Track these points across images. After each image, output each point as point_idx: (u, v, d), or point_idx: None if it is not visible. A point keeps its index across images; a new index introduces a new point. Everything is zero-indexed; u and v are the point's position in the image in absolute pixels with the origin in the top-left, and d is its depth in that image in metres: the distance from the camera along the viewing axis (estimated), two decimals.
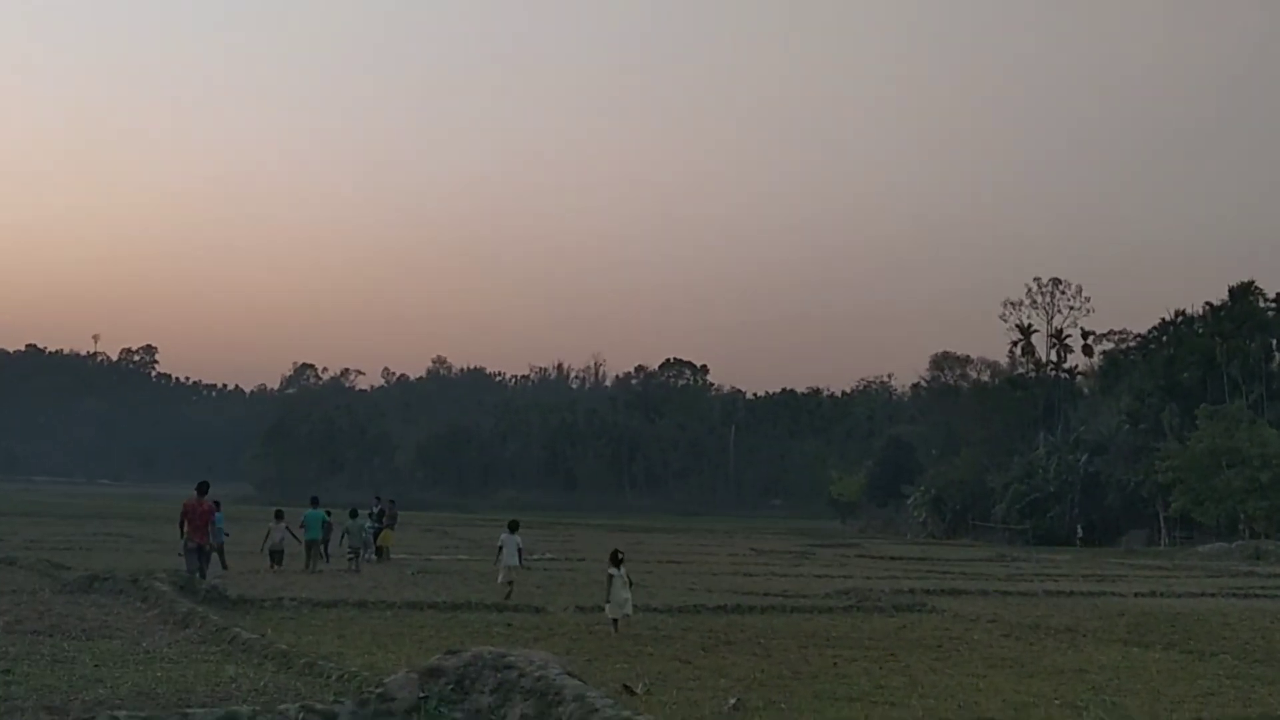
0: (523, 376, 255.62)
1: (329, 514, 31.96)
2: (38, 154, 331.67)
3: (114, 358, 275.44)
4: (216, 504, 26.51)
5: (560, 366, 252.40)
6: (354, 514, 33.18)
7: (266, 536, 31.03)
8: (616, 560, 19.26)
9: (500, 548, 24.52)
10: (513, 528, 24.85)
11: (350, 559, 31.39)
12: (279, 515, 31.67)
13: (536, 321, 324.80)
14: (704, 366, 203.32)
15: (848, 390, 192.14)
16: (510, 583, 23.89)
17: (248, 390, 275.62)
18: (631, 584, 19.48)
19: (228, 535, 30.89)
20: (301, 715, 10.02)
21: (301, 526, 30.80)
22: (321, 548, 31.06)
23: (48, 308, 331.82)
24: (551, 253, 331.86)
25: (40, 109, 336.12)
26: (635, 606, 19.49)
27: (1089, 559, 58.01)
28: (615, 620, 18.79)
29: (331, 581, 26.77)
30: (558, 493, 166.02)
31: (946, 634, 20.22)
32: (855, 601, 25.22)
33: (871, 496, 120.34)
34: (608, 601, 18.94)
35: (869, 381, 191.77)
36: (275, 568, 29.86)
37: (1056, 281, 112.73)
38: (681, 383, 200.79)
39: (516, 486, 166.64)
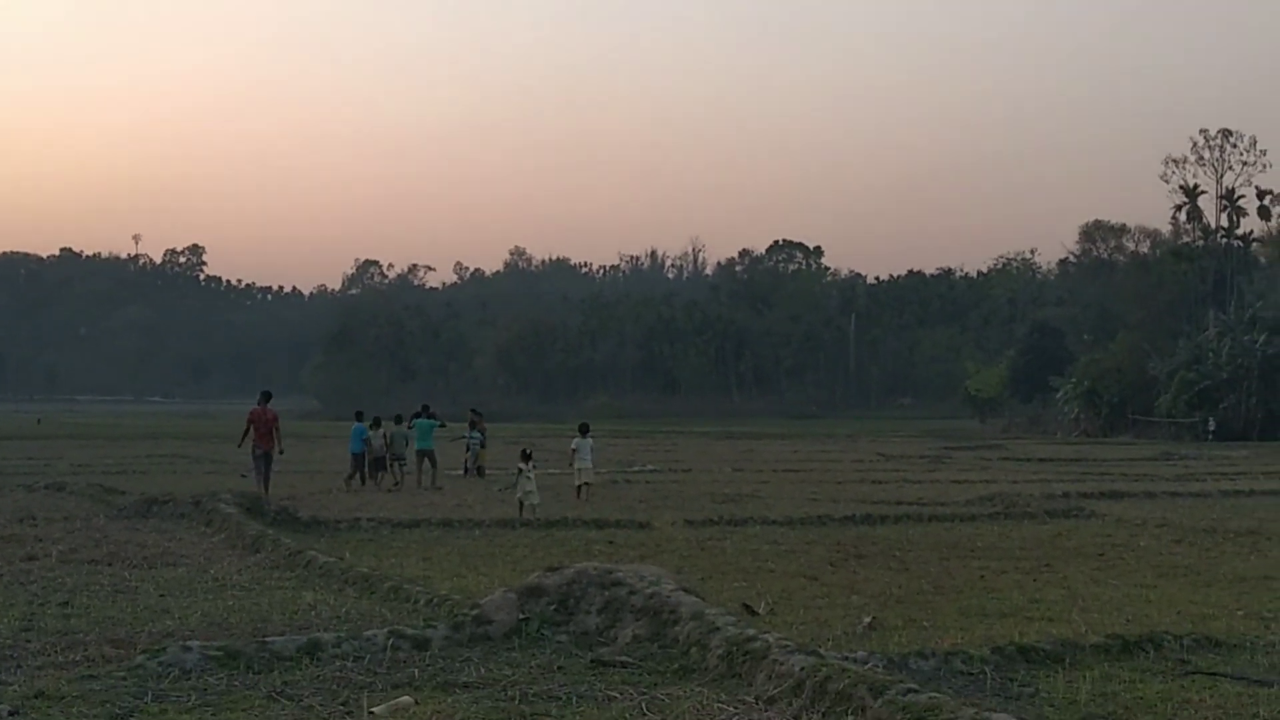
0: (612, 267, 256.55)
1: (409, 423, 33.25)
2: (64, 30, 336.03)
3: (157, 260, 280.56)
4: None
5: (654, 254, 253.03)
6: (398, 420, 33.38)
7: (368, 445, 31.85)
8: (526, 457, 23.91)
9: (574, 450, 27.67)
10: (584, 430, 28.24)
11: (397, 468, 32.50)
12: (376, 422, 32.70)
13: (626, 204, 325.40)
14: (817, 248, 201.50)
15: (984, 270, 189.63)
16: (586, 484, 27.25)
17: (306, 292, 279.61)
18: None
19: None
20: (391, 641, 10.27)
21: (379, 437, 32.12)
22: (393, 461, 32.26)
23: (83, 207, 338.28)
24: (641, 126, 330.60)
25: None
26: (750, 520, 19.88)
27: (1270, 454, 57.21)
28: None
29: (412, 500, 27.27)
30: (655, 397, 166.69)
31: (1109, 541, 20.14)
32: (1001, 508, 25.18)
33: (1014, 391, 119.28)
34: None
35: (1008, 259, 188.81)
36: (353, 474, 31.12)
37: (1227, 134, 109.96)
38: (792, 268, 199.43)
39: (609, 391, 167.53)
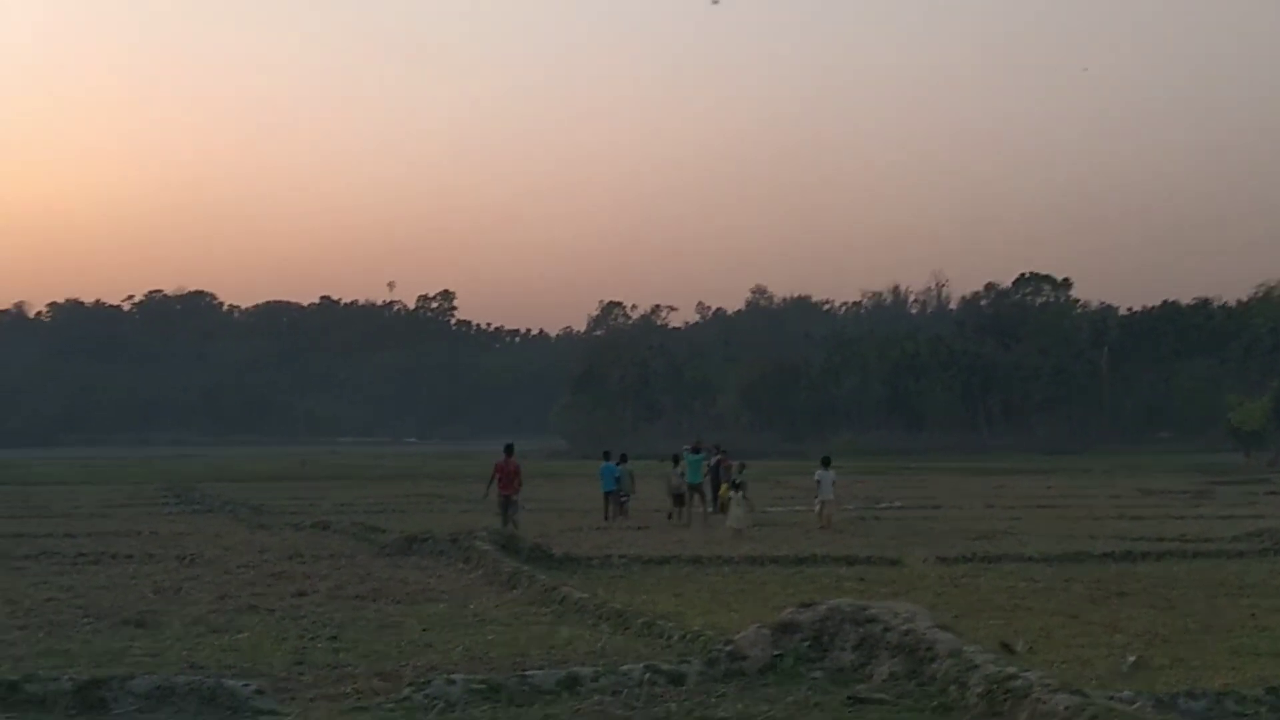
0: (854, 303, 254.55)
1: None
2: (322, 93, 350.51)
3: (411, 306, 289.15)
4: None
5: (896, 289, 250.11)
6: (675, 460, 34.12)
7: (668, 481, 33.43)
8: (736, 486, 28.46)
9: (818, 482, 29.72)
10: (826, 463, 30.09)
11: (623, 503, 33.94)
12: (675, 459, 33.67)
13: (867, 240, 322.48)
14: (1066, 280, 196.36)
15: (1243, 298, 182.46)
16: (826, 514, 29.02)
17: (553, 334, 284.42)
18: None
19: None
20: (647, 676, 10.37)
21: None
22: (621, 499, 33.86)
23: (340, 257, 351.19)
24: (882, 160, 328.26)
25: (321, 35, 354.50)
26: (1005, 557, 19.59)
27: None
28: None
29: (662, 537, 27.47)
30: (901, 433, 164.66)
31: None
32: (1272, 544, 24.11)
33: None
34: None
35: (1270, 286, 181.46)
36: (679, 510, 32.57)
37: None
38: (1040, 300, 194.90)
39: (854, 428, 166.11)
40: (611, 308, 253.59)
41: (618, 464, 34.49)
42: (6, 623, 14.78)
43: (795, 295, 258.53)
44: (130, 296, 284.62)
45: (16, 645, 13.21)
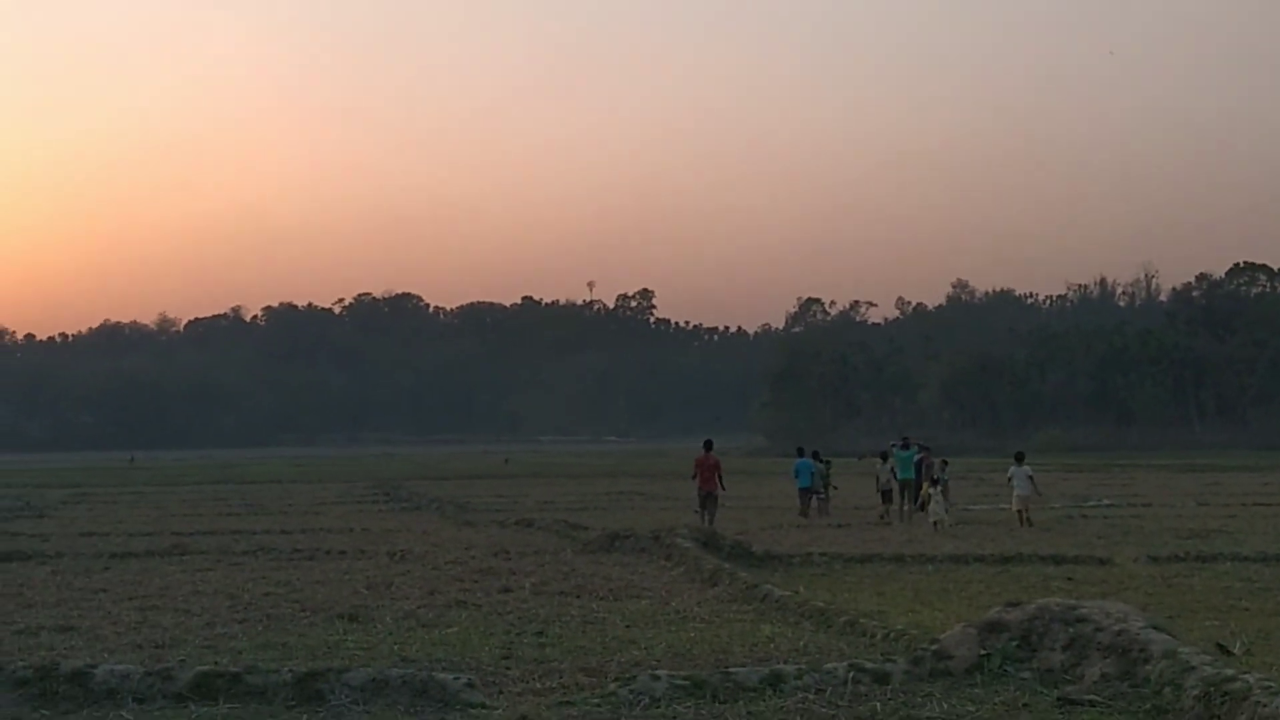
0: (1059, 297, 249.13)
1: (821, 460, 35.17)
2: (520, 96, 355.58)
3: (610, 305, 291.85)
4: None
5: (1103, 282, 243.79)
6: (884, 457, 33.98)
7: (876, 479, 33.93)
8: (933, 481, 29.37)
9: (1010, 479, 29.98)
10: (1019, 459, 29.97)
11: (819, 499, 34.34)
12: (884, 456, 33.89)
13: (1071, 232, 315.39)
14: None
15: None
16: (1021, 511, 28.96)
17: (751, 332, 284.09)
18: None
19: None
20: (851, 674, 10.31)
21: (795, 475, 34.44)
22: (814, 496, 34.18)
23: (541, 257, 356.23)
24: (1086, 153, 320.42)
25: (519, 42, 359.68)
26: (1220, 556, 19.01)
27: None
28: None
29: (863, 535, 27.27)
30: (1109, 430, 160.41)
31: None
32: None
33: None
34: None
35: None
36: (888, 507, 32.79)
37: None
38: (1255, 291, 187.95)
39: (1059, 424, 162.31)
40: (810, 304, 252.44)
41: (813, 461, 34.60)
42: (227, 616, 15.32)
43: (998, 289, 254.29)
44: (340, 299, 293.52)
45: (237, 638, 13.69)
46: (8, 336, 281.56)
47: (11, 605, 16.48)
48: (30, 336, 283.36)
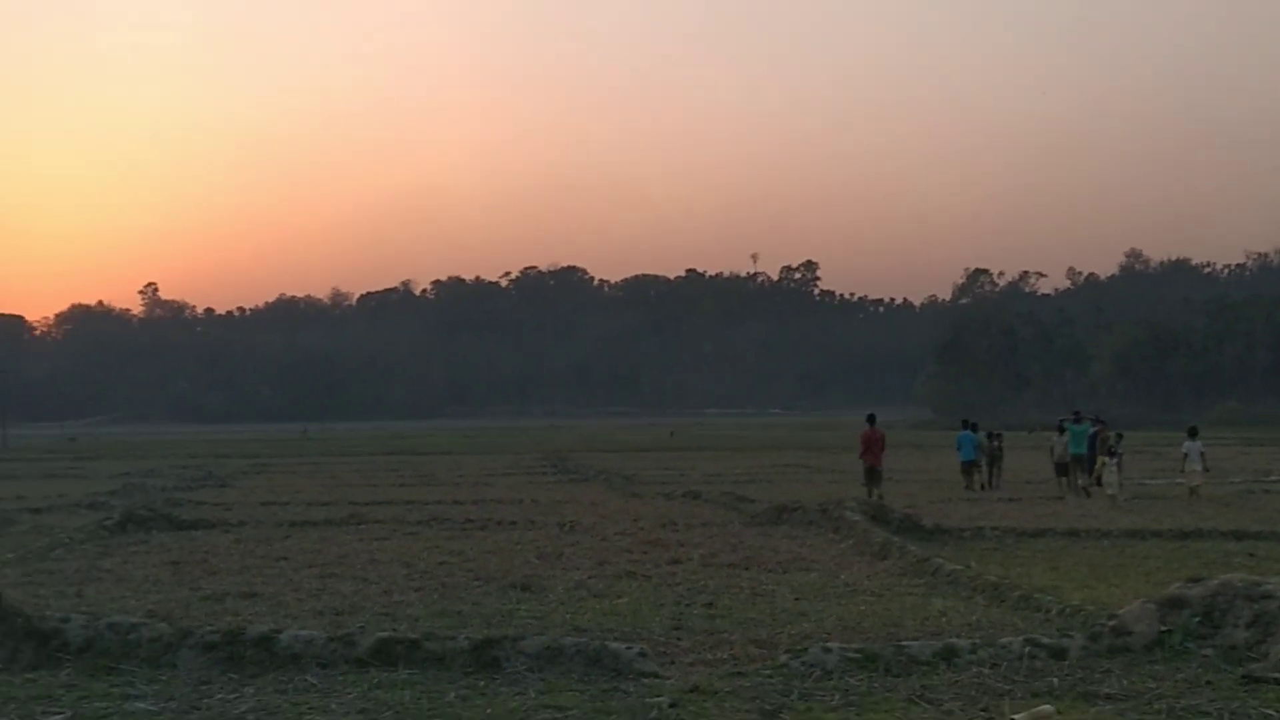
0: (1237, 266, 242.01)
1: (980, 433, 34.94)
2: (678, 68, 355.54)
3: (774, 277, 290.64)
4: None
5: None
6: (1060, 429, 33.39)
7: (1052, 451, 33.35)
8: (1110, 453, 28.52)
9: (1184, 455, 29.47)
10: (1192, 434, 29.78)
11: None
12: (1060, 429, 33.13)
13: (1251, 199, 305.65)
14: None
15: None
16: (1195, 487, 28.79)
17: (917, 304, 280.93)
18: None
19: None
20: (1027, 650, 10.19)
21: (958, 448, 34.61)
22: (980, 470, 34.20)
23: (705, 229, 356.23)
24: (1267, 116, 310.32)
25: (693, 8, 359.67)
26: None
27: None
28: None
29: (1035, 509, 26.85)
30: None
31: None
32: None
33: None
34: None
35: None
36: (1061, 481, 32.27)
37: None
38: None
39: (1238, 397, 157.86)
40: (978, 275, 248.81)
41: (974, 434, 34.43)
42: (404, 584, 15.65)
43: (1173, 258, 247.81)
44: (507, 273, 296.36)
45: (413, 606, 13.98)
46: (189, 311, 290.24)
47: (198, 572, 17.03)
48: (210, 311, 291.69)
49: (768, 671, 10.02)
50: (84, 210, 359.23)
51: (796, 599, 14.36)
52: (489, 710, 9.09)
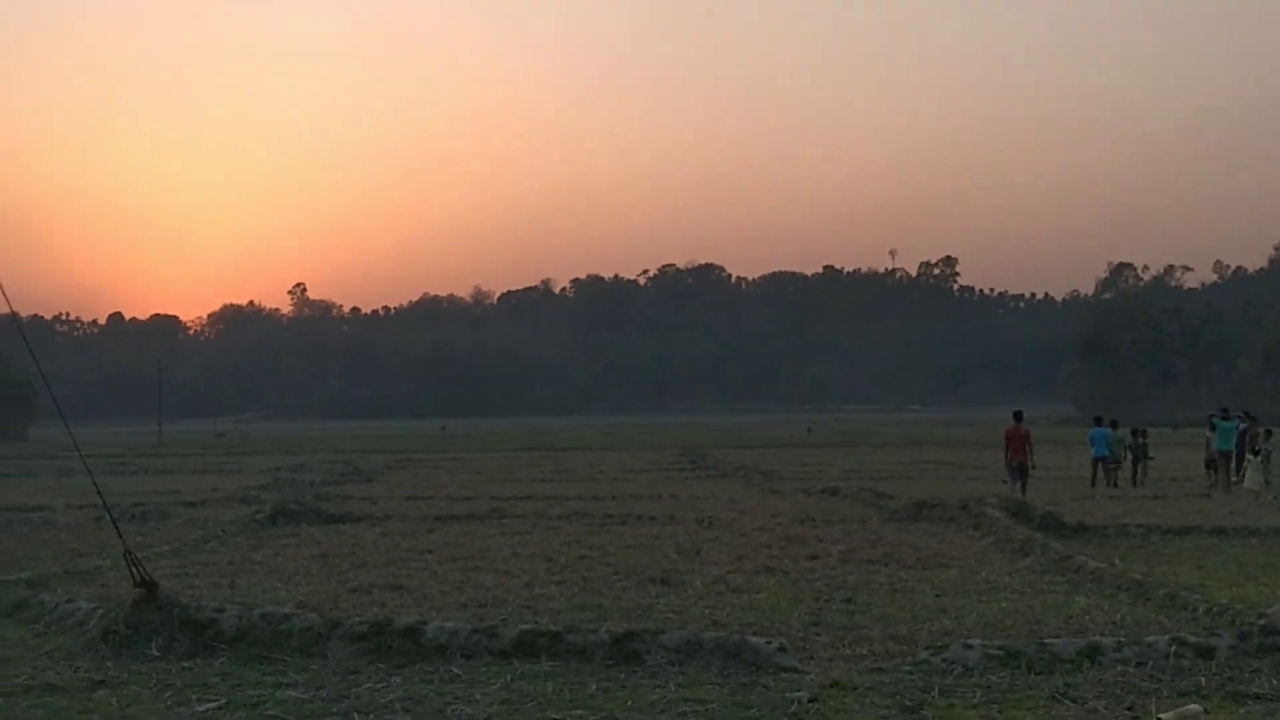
0: None
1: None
2: (818, 58, 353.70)
3: (912, 273, 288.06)
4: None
5: None
6: (1212, 426, 32.73)
7: (1206, 446, 32.98)
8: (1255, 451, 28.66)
9: None
10: None
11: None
12: (1211, 425, 32.75)
13: None
14: None
15: None
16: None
17: (1059, 298, 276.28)
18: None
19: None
20: (1174, 648, 10.00)
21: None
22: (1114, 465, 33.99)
23: (843, 226, 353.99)
24: None
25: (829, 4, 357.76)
26: None
27: None
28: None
29: (1181, 507, 26.30)
30: None
31: None
32: None
33: None
34: None
35: None
36: (1210, 475, 32.21)
37: None
38: None
39: None
40: (1121, 269, 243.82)
41: (1114, 431, 34.39)
42: (545, 578, 15.79)
43: None
44: (645, 271, 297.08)
45: (554, 599, 14.11)
46: (336, 311, 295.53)
47: (346, 565, 17.37)
48: (356, 310, 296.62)
49: (908, 667, 9.97)
50: (236, 213, 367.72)
51: (936, 595, 14.25)
52: (630, 702, 9.16)
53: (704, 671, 10.01)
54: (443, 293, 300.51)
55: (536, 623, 11.68)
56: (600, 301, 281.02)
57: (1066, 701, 8.97)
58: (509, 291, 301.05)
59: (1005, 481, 29.57)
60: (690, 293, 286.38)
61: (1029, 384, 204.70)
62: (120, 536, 13.01)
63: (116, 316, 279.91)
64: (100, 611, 11.88)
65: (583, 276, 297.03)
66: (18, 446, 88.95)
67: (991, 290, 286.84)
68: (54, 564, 17.47)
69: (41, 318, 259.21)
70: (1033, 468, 29.72)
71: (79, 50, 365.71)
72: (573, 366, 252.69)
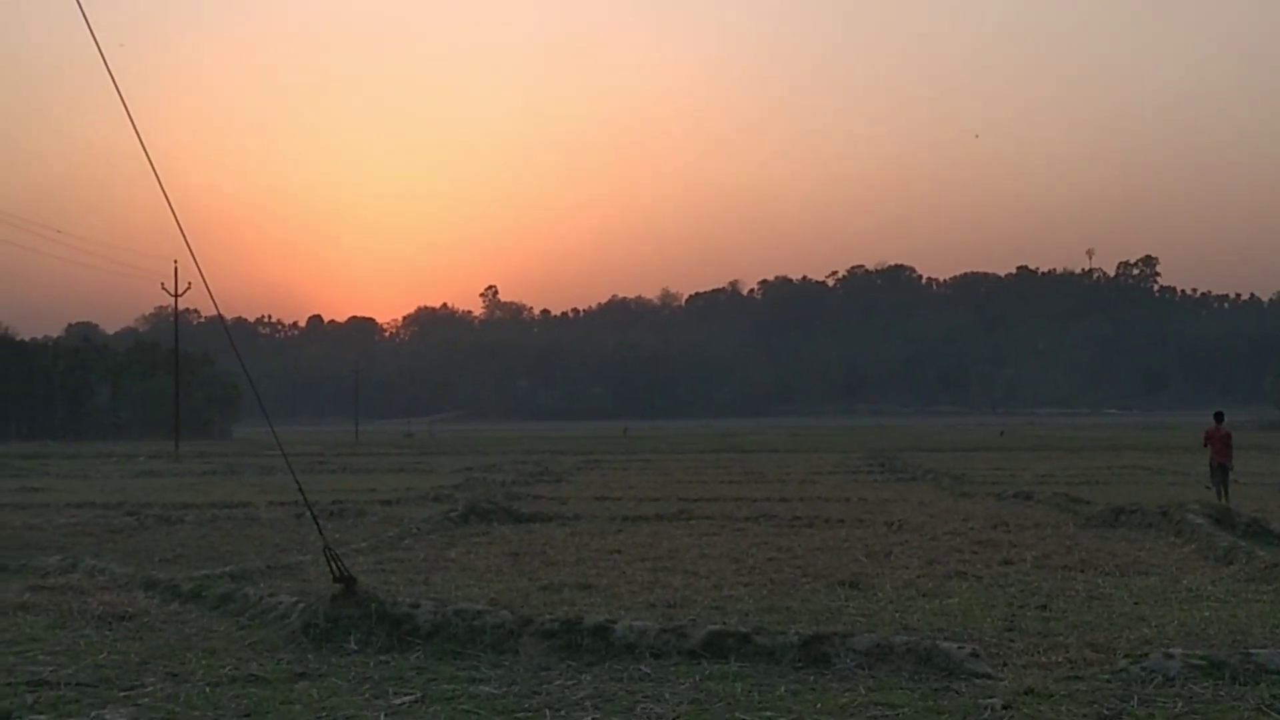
0: None
1: None
2: (1011, 55, 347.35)
3: (1110, 273, 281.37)
4: None
5: None
6: None
7: None
8: None
9: None
10: None
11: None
12: None
13: None
14: None
15: None
16: None
17: (1265, 299, 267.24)
18: None
19: None
20: None
21: None
22: None
23: (1037, 226, 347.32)
24: None
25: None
26: None
27: None
28: None
29: None
30: None
31: None
32: None
33: None
34: None
35: None
36: None
37: None
38: None
39: None
40: None
41: None
42: (733, 579, 15.80)
43: None
44: (834, 272, 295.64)
45: (743, 600, 14.11)
46: (526, 313, 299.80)
47: (536, 563, 17.62)
48: (546, 312, 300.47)
49: (1105, 676, 9.74)
50: (429, 218, 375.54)
51: (1135, 603, 13.88)
52: (819, 705, 9.12)
53: (894, 676, 9.91)
54: (631, 295, 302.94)
55: (725, 623, 11.68)
56: (788, 303, 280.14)
57: (1273, 714, 8.67)
58: (697, 293, 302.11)
59: (1209, 488, 28.74)
60: (879, 294, 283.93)
61: (1232, 387, 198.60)
62: (320, 533, 13.40)
63: (316, 319, 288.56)
64: (301, 605, 12.24)
65: (771, 278, 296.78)
66: (223, 444, 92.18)
67: (1194, 290, 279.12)
68: (257, 559, 18.09)
69: (245, 320, 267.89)
70: (1231, 469, 28.75)
71: (280, 56, 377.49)
72: (760, 368, 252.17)
